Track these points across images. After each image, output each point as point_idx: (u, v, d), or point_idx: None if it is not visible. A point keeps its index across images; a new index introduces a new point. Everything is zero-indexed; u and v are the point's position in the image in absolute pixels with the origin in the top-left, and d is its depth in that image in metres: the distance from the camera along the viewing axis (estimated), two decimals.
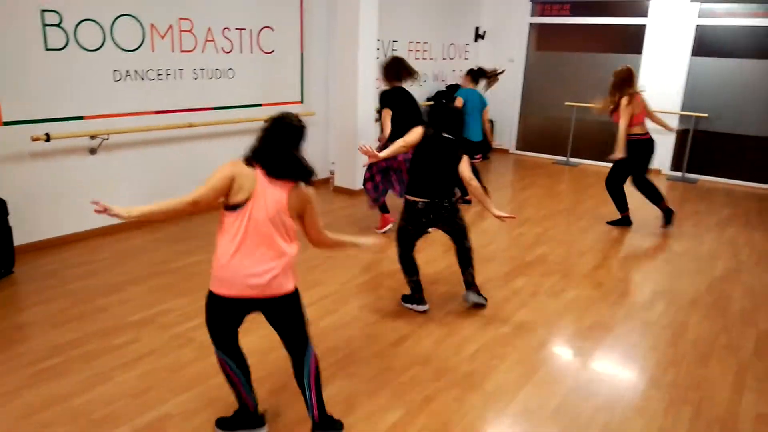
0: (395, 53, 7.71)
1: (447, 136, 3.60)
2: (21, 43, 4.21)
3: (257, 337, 3.26)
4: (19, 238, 4.29)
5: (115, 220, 5.05)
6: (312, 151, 7.10)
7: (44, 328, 3.38)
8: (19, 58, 4.22)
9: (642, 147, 5.32)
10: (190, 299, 3.76)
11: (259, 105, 6.05)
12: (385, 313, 3.73)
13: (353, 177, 6.51)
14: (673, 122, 8.01)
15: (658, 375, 3.11)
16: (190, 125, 5.31)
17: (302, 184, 2.32)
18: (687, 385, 3.02)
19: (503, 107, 9.51)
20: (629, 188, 5.55)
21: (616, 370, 3.21)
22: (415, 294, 3.73)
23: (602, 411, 2.78)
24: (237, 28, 5.66)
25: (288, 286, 2.34)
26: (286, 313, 2.38)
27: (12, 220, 4.15)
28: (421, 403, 2.78)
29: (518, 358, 3.23)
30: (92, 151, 4.77)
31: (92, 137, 4.71)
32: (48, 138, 4.38)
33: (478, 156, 8.93)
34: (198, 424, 2.57)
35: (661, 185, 7.58)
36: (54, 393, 2.76)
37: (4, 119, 4.23)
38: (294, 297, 2.38)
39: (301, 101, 6.56)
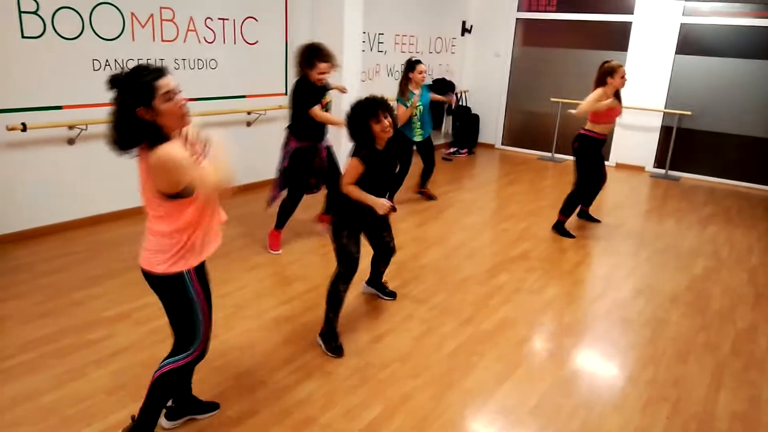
0: (382, 45, 7.67)
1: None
2: None
3: (237, 333, 3.23)
4: None
5: (93, 212, 4.99)
6: None
7: (16, 323, 3.30)
8: None
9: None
10: None
11: (243, 96, 5.98)
12: (365, 309, 3.70)
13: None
14: (657, 120, 8.07)
15: (636, 372, 3.12)
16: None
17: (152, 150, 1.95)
18: (665, 382, 3.03)
19: (489, 102, 9.50)
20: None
21: (595, 368, 3.21)
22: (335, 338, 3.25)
23: (581, 408, 2.78)
24: (220, 18, 5.58)
25: (154, 267, 2.11)
26: (159, 295, 2.21)
27: None
28: (399, 400, 2.76)
29: (498, 355, 3.22)
30: (70, 141, 4.68)
31: (70, 127, 4.61)
32: (24, 128, 4.28)
33: (463, 151, 8.96)
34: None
35: (644, 182, 7.63)
36: (25, 390, 2.70)
37: None
38: (161, 282, 2.14)
39: (286, 93, 6.49)
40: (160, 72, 1.96)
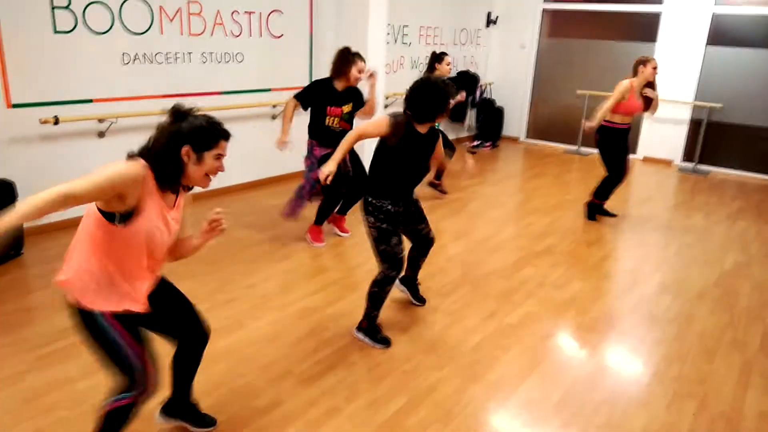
0: (406, 38, 7.65)
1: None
2: (30, 26, 4.20)
3: (263, 324, 3.28)
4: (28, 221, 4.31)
5: None
6: None
7: (51, 311, 3.40)
8: (27, 41, 4.21)
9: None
10: (200, 282, 3.77)
11: (268, 90, 6.03)
12: (390, 301, 3.72)
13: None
14: (686, 112, 7.91)
15: (662, 369, 3.09)
16: (198, 110, 5.28)
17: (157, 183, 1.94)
18: (691, 379, 3.00)
19: (514, 95, 9.42)
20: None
21: (620, 363, 3.19)
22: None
23: (605, 404, 2.77)
24: (246, 12, 5.62)
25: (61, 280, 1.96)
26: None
27: (20, 202, 4.16)
28: (422, 392, 2.79)
29: (522, 349, 3.22)
30: (100, 134, 4.78)
31: (100, 120, 4.71)
32: (56, 121, 4.39)
33: (487, 144, 8.91)
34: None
35: (672, 176, 7.51)
36: (59, 377, 2.79)
37: (13, 102, 4.23)
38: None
39: None
40: (227, 134, 1.99)
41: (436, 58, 5.56)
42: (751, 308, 3.84)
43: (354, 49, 4.41)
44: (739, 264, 4.58)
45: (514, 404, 2.75)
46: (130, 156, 1.93)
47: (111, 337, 1.93)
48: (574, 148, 8.93)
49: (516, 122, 9.54)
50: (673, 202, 6.39)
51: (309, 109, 4.36)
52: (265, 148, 6.11)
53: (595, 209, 5.47)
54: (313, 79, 6.53)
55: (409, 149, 3.02)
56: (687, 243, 5.01)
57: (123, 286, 1.93)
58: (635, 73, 5.07)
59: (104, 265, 1.90)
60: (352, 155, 4.48)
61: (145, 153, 1.91)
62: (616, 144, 5.18)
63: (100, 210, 1.84)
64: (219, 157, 1.96)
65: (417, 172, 3.14)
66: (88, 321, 1.92)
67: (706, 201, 6.41)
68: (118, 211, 1.83)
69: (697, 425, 2.65)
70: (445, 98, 2.94)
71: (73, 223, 4.82)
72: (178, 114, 1.92)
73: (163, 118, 1.93)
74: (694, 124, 7.94)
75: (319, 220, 4.59)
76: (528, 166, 7.96)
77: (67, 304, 1.96)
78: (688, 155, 8.07)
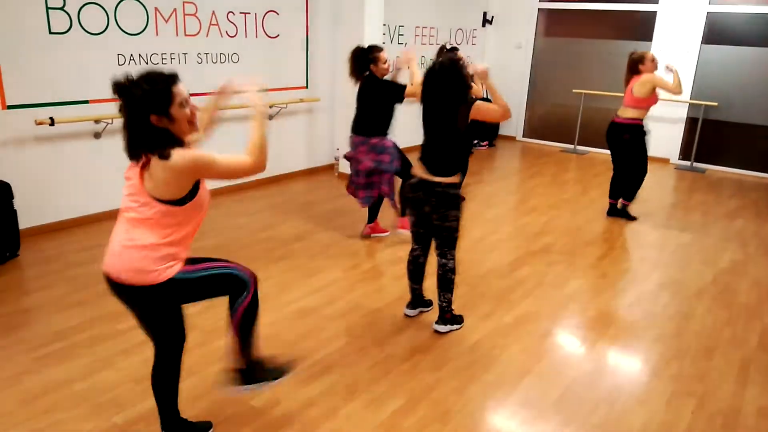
0: (402, 37, 7.65)
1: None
2: (25, 27, 4.19)
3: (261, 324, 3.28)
4: (24, 222, 4.31)
5: (119, 204, 5.06)
6: (317, 137, 7.12)
7: (48, 312, 3.39)
8: (22, 42, 4.20)
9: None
10: None
11: (264, 90, 6.01)
12: (387, 301, 3.72)
13: None
14: (682, 111, 7.93)
15: (661, 367, 3.10)
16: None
17: (160, 159, 1.90)
18: (690, 377, 3.00)
19: (510, 94, 9.41)
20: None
21: (619, 362, 3.19)
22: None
23: (604, 402, 2.77)
24: (241, 12, 5.62)
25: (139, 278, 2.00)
26: (139, 307, 2.12)
27: (17, 203, 4.15)
28: (421, 392, 2.78)
29: (520, 348, 3.22)
30: (96, 135, 4.76)
31: (96, 121, 4.69)
32: (52, 122, 4.37)
33: (484, 143, 8.91)
34: (201, 409, 2.58)
35: (669, 175, 7.53)
36: (57, 378, 2.77)
37: (8, 103, 4.22)
38: (146, 293, 2.03)
39: (306, 86, 6.52)
40: (174, 79, 1.94)
41: (448, 52, 5.52)
42: (749, 306, 3.85)
43: (350, 49, 4.43)
44: (736, 262, 4.59)
45: (512, 403, 2.75)
46: (127, 153, 2.02)
47: (198, 275, 2.08)
48: (571, 147, 8.94)
49: (513, 121, 9.54)
50: (670, 200, 6.40)
51: (380, 107, 4.38)
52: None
53: (624, 211, 5.50)
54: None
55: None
56: (684, 241, 5.02)
57: (183, 251, 2.09)
58: (635, 71, 5.10)
59: (171, 243, 2.01)
60: (397, 148, 4.53)
61: (135, 145, 1.97)
62: (644, 142, 5.22)
63: (167, 201, 1.96)
64: (183, 102, 1.95)
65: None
66: (177, 287, 2.04)
67: (703, 199, 6.42)
68: (183, 193, 1.97)
69: (695, 423, 2.65)
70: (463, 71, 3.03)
71: (68, 224, 4.82)
72: (121, 89, 1.90)
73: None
74: (691, 122, 7.96)
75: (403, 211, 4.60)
76: (525, 165, 7.96)
77: (139, 295, 2.04)
78: (684, 153, 8.08)
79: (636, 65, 5.12)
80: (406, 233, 4.59)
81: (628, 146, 5.21)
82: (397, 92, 4.30)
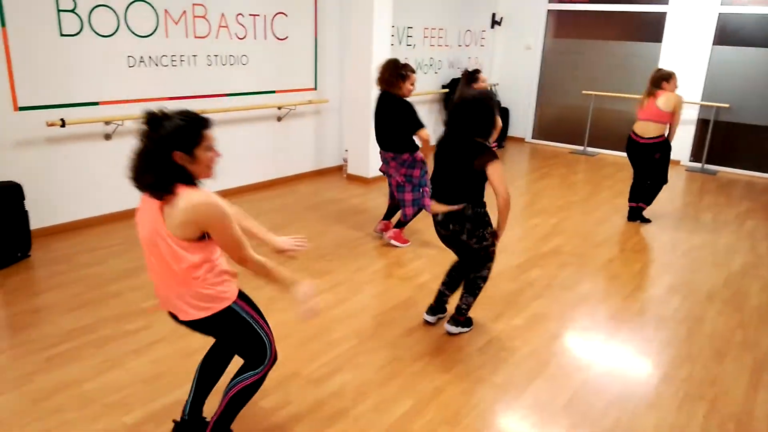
0: (410, 39, 7.65)
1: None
2: (36, 29, 4.22)
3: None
4: (35, 223, 4.34)
5: (129, 205, 5.12)
6: (325, 138, 7.13)
7: (58, 312, 3.41)
8: (34, 44, 4.23)
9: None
10: None
11: (273, 92, 6.03)
12: (396, 302, 3.71)
13: (366, 165, 6.48)
14: (693, 113, 7.87)
15: (672, 370, 3.07)
16: (204, 112, 5.29)
17: (183, 199, 1.89)
18: (702, 381, 2.97)
19: (519, 95, 9.40)
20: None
21: (629, 365, 3.17)
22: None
23: (614, 406, 2.75)
24: (251, 14, 5.63)
25: (193, 314, 2.05)
26: (216, 334, 2.21)
27: (28, 204, 4.18)
28: (430, 394, 2.77)
29: (530, 351, 3.20)
30: (107, 136, 4.79)
31: (107, 123, 4.72)
32: (63, 123, 4.40)
33: (493, 144, 8.88)
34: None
35: (680, 176, 7.47)
36: (66, 378, 2.79)
37: (20, 105, 4.25)
38: (207, 322, 2.08)
39: (315, 88, 6.53)
40: (207, 122, 1.96)
41: (471, 77, 5.51)
42: (761, 308, 3.81)
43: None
44: (748, 264, 4.55)
45: (521, 406, 2.73)
46: (134, 181, 1.99)
47: (247, 318, 2.11)
48: (580, 148, 8.89)
49: (522, 123, 9.52)
50: (681, 202, 6.35)
51: (400, 127, 4.40)
52: (270, 150, 6.12)
53: (640, 214, 5.50)
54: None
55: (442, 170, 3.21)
56: (695, 244, 4.98)
57: (225, 267, 2.09)
58: (657, 85, 5.11)
59: (207, 263, 2.01)
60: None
61: (141, 176, 1.94)
62: (670, 155, 5.25)
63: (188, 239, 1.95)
64: (209, 147, 1.96)
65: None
66: (227, 317, 2.07)
67: (714, 201, 6.37)
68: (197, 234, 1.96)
69: (707, 427, 2.62)
70: (493, 108, 3.04)
71: (78, 225, 4.85)
72: (152, 119, 1.90)
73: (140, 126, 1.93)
74: (702, 124, 7.89)
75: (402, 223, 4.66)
76: (534, 166, 7.93)
77: (199, 324, 2.08)
78: (696, 155, 8.02)
79: (660, 81, 5.12)
80: (395, 243, 4.63)
81: (658, 163, 5.22)
82: (413, 122, 4.34)
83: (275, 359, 2.25)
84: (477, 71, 5.53)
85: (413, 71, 4.43)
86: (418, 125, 4.34)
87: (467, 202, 3.09)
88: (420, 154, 4.45)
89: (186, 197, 1.89)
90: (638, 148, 5.19)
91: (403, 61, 4.49)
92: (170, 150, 1.87)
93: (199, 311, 2.04)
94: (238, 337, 2.16)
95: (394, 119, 4.37)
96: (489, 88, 5.85)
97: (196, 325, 2.10)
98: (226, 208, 1.96)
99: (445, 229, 3.16)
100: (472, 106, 3.02)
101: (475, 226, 3.10)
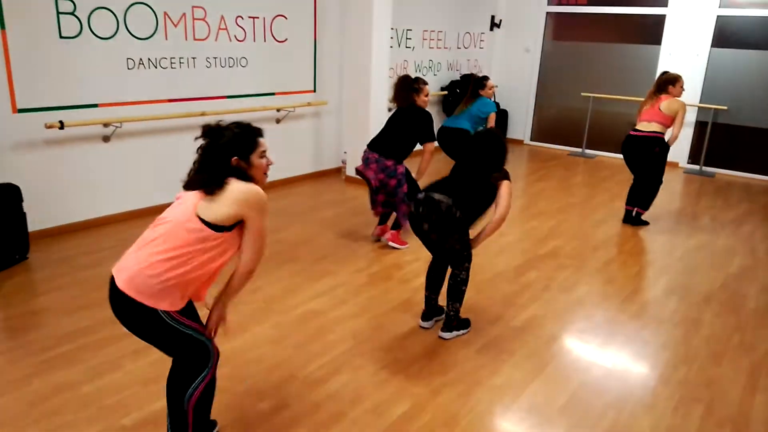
0: (409, 41, 7.66)
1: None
2: (35, 31, 4.23)
3: (267, 327, 3.28)
4: (33, 225, 4.34)
5: (128, 207, 5.13)
6: (324, 140, 7.14)
7: (56, 315, 3.42)
8: (33, 46, 4.24)
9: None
10: None
11: (272, 94, 6.04)
12: (395, 304, 3.72)
13: None
14: (691, 115, 7.89)
15: (669, 372, 3.08)
16: (203, 114, 5.31)
17: (235, 185, 2.05)
18: (698, 383, 2.98)
19: (518, 98, 9.42)
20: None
21: (626, 367, 3.17)
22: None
23: (611, 408, 2.75)
24: (250, 17, 5.64)
25: (125, 286, 2.01)
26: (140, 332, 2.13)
27: (26, 206, 4.19)
28: (427, 396, 2.78)
29: (527, 353, 3.21)
30: (105, 138, 4.80)
31: (105, 125, 4.73)
32: (62, 125, 4.41)
33: None
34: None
35: (678, 179, 7.49)
36: (64, 380, 2.79)
37: (19, 107, 4.25)
38: (135, 312, 2.03)
39: (314, 90, 6.54)
40: (261, 132, 2.16)
41: (478, 83, 5.53)
42: (758, 311, 3.82)
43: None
44: (745, 267, 4.56)
45: (519, 408, 2.74)
46: (187, 187, 2.09)
47: (181, 327, 2.06)
48: (579, 150, 8.91)
49: (520, 125, 9.53)
50: (678, 204, 6.37)
51: (409, 135, 4.52)
52: (270, 151, 6.13)
53: (638, 219, 5.48)
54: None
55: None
56: (693, 246, 4.99)
57: (197, 287, 2.10)
58: (663, 89, 5.12)
59: (191, 272, 2.01)
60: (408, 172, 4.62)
61: (197, 177, 2.07)
62: (667, 154, 5.25)
63: (211, 225, 2.00)
64: (263, 154, 2.15)
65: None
66: (156, 319, 2.01)
67: (712, 203, 6.38)
68: (229, 222, 2.04)
69: (704, 429, 2.63)
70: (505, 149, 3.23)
71: (77, 227, 4.85)
72: (211, 131, 2.09)
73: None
74: (700, 126, 7.92)
75: (396, 225, 4.69)
76: (532, 168, 7.94)
77: (126, 300, 1.99)
78: (694, 157, 8.04)
79: (666, 85, 5.13)
80: (393, 245, 4.64)
81: (655, 158, 5.19)
82: (426, 132, 4.49)
83: (218, 355, 2.24)
84: (485, 78, 5.57)
85: (425, 83, 4.55)
86: (431, 137, 4.50)
87: (463, 207, 3.09)
88: (402, 168, 4.47)
89: (238, 184, 2.03)
90: (637, 141, 5.16)
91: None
92: (229, 156, 2.06)
93: (134, 292, 1.96)
94: (171, 343, 2.11)
95: (409, 125, 4.48)
96: (495, 95, 5.89)
97: (126, 312, 2.03)
98: (267, 205, 2.10)
99: (416, 209, 3.15)
100: (488, 145, 3.21)
101: (441, 223, 3.08)
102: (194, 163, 2.11)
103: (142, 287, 1.97)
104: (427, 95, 4.54)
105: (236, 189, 2.02)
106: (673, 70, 7.49)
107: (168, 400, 2.25)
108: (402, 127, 4.49)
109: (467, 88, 5.71)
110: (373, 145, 4.55)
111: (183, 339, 2.08)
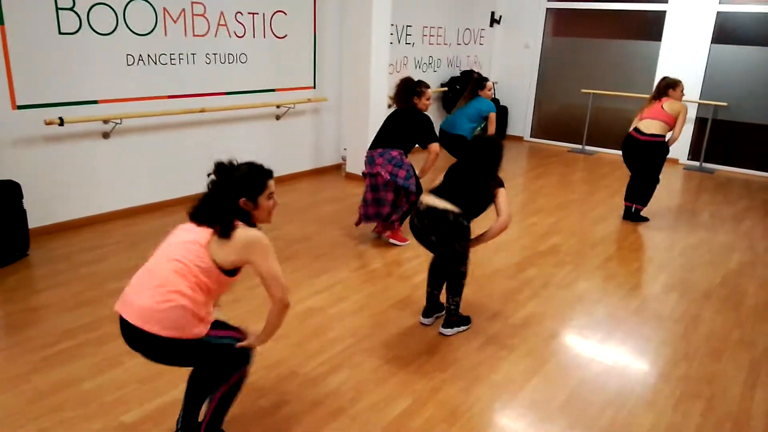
0: (410, 38, 7.65)
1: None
2: (34, 27, 4.22)
3: None
4: (33, 221, 4.34)
5: (128, 204, 5.13)
6: (324, 137, 7.13)
7: (56, 311, 3.41)
8: (32, 42, 4.23)
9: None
10: None
11: (272, 90, 6.03)
12: (394, 301, 3.72)
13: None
14: (691, 111, 7.88)
15: (669, 369, 3.08)
16: (203, 110, 5.30)
17: (241, 232, 2.10)
18: (699, 379, 2.99)
19: (518, 94, 9.41)
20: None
21: (626, 364, 3.17)
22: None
23: (611, 405, 2.76)
24: (250, 13, 5.63)
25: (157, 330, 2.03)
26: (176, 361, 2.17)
27: (26, 203, 4.18)
28: (427, 393, 2.78)
29: (527, 349, 3.21)
30: (105, 135, 4.79)
31: (105, 121, 4.72)
32: (61, 122, 4.40)
33: None
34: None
35: (678, 175, 7.48)
36: (65, 377, 2.79)
37: (18, 103, 4.24)
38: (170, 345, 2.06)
39: (314, 86, 6.53)
40: (271, 174, 2.20)
41: (478, 84, 5.52)
42: (758, 307, 3.82)
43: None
44: (745, 263, 4.56)
45: (519, 405, 2.74)
46: (194, 218, 2.12)
47: (215, 341, 2.10)
48: (579, 147, 8.90)
49: (520, 121, 9.52)
50: (678, 200, 6.37)
51: (409, 136, 4.52)
52: (269, 148, 6.13)
53: (637, 215, 5.50)
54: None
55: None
56: (692, 242, 4.99)
57: (209, 311, 2.14)
58: (664, 93, 5.13)
59: (204, 301, 2.08)
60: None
61: (204, 214, 2.10)
62: (666, 155, 5.25)
63: (222, 269, 2.08)
64: (270, 195, 2.19)
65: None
66: (192, 345, 2.06)
67: (711, 200, 6.38)
68: (232, 267, 2.11)
69: (704, 426, 2.63)
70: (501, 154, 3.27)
71: (77, 223, 4.84)
72: (222, 169, 2.14)
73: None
74: (700, 123, 7.91)
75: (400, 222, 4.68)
76: (532, 165, 7.94)
77: (158, 341, 2.01)
78: (693, 154, 8.04)
79: (666, 89, 5.15)
80: (393, 242, 4.64)
81: (654, 162, 5.19)
82: (427, 136, 4.48)
83: (254, 355, 2.26)
84: (485, 79, 5.56)
85: (428, 86, 4.55)
86: (432, 138, 4.49)
87: (468, 216, 3.13)
88: (408, 160, 4.46)
89: (242, 231, 2.08)
90: (637, 145, 5.16)
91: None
92: (237, 197, 2.10)
93: (165, 330, 1.99)
94: (209, 361, 2.16)
95: (407, 128, 4.47)
96: (494, 91, 5.88)
97: (155, 347, 2.04)
98: (271, 248, 2.14)
99: (420, 221, 3.16)
100: (487, 152, 3.23)
101: (450, 233, 3.10)
102: (203, 198, 2.15)
103: (177, 323, 2.00)
104: (429, 99, 4.53)
105: (242, 237, 2.06)
106: (673, 66, 7.52)
107: (188, 394, 2.31)
108: (400, 130, 4.48)
109: (467, 85, 5.70)
110: (373, 145, 4.54)
111: (224, 349, 2.14)
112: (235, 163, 2.17)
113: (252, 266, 2.11)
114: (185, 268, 2.03)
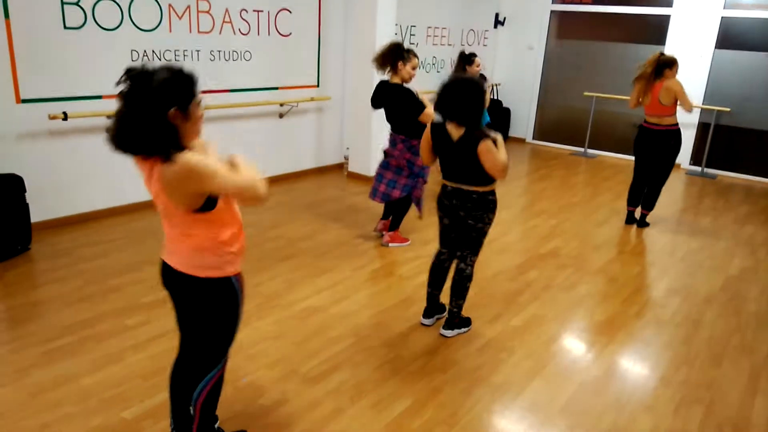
0: (413, 37, 7.64)
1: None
2: (39, 22, 4.21)
3: (268, 323, 3.27)
4: (36, 215, 4.33)
5: (131, 200, 5.12)
6: (327, 135, 7.12)
7: (57, 306, 3.41)
8: (37, 37, 4.22)
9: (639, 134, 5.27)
10: None
11: (276, 88, 6.03)
12: (396, 301, 3.72)
13: (368, 163, 6.48)
14: (694, 116, 7.88)
15: (669, 373, 3.08)
16: (206, 107, 5.29)
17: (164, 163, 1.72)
18: (699, 384, 2.99)
19: (521, 96, 9.40)
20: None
21: (627, 367, 3.18)
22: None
23: (611, 408, 2.76)
24: (254, 10, 5.63)
25: (198, 271, 1.95)
26: (198, 305, 2.05)
27: (29, 197, 4.18)
28: (428, 394, 2.78)
29: (527, 352, 3.21)
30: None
31: (109, 117, 4.69)
32: (65, 117, 4.40)
33: None
34: None
35: (680, 180, 7.48)
36: (65, 372, 2.79)
37: (22, 97, 4.24)
38: (206, 288, 1.97)
39: (318, 85, 6.53)
40: (196, 77, 1.78)
41: (466, 59, 5.47)
42: (759, 313, 3.82)
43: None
44: (746, 269, 4.56)
45: (519, 407, 2.74)
46: (120, 146, 1.75)
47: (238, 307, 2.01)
48: (581, 150, 8.90)
49: (523, 123, 9.52)
50: (680, 205, 6.36)
51: (405, 114, 4.31)
52: (272, 146, 6.12)
53: (643, 221, 5.45)
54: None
55: (443, 153, 3.10)
56: (694, 247, 4.99)
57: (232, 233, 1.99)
58: (660, 75, 5.02)
59: (215, 233, 1.93)
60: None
61: (130, 139, 1.71)
62: (680, 145, 5.17)
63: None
64: (199, 103, 1.79)
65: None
66: (221, 289, 1.96)
67: (713, 205, 6.38)
68: (197, 206, 1.83)
69: (704, 430, 2.63)
70: (480, 97, 2.91)
71: (79, 218, 4.84)
72: (138, 75, 1.69)
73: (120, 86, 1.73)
74: (703, 128, 7.90)
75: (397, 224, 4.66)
76: (534, 167, 7.94)
77: (189, 284, 1.97)
78: (695, 159, 8.03)
79: (663, 69, 5.01)
80: (395, 245, 4.62)
81: (670, 151, 5.11)
82: (413, 109, 4.23)
83: (227, 358, 2.20)
84: (473, 54, 5.50)
85: (416, 56, 4.31)
86: (420, 107, 4.19)
87: (474, 184, 3.03)
88: (414, 143, 4.39)
89: (172, 163, 1.70)
90: (654, 135, 5.07)
91: None
92: (166, 108, 1.68)
93: (193, 269, 1.90)
94: (215, 321, 2.03)
95: (397, 107, 4.31)
96: (481, 74, 5.75)
97: (180, 289, 1.98)
98: (205, 163, 1.73)
99: (449, 200, 3.16)
100: (460, 88, 2.90)
101: (476, 207, 3.07)
102: (116, 115, 1.72)
103: (205, 261, 1.92)
104: (414, 69, 4.25)
105: (180, 166, 1.70)
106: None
107: (173, 395, 2.24)
108: (396, 109, 4.33)
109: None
110: (393, 127, 4.46)
111: (224, 325, 2.07)
112: (151, 68, 1.71)
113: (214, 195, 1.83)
114: (174, 221, 1.89)
